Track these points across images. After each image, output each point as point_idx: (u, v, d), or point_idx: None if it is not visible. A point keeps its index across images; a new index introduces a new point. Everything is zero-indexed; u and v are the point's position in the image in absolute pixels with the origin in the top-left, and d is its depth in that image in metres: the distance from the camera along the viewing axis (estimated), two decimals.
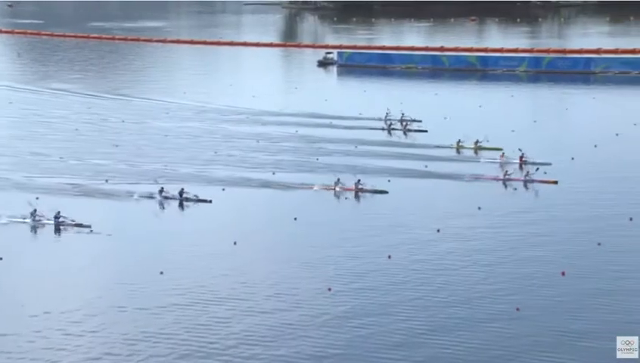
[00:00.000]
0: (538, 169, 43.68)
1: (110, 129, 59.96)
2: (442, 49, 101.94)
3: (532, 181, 43.01)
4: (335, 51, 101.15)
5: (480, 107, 67.04)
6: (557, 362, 24.34)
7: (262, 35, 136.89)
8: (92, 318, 27.87)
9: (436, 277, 30.77)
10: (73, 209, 38.15)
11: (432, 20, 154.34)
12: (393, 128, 57.51)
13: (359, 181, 42.12)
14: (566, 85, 78.76)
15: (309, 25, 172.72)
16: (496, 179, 44.07)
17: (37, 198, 39.82)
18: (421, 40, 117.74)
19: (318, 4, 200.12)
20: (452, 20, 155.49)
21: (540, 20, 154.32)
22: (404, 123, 57.88)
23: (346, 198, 41.40)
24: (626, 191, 41.66)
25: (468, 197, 40.95)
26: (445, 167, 46.38)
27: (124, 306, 28.67)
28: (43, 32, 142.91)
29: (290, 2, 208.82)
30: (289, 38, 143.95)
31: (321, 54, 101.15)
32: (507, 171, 44.50)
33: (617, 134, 54.25)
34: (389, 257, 32.67)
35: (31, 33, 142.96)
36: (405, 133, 56.82)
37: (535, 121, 60.87)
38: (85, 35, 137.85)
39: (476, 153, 50.01)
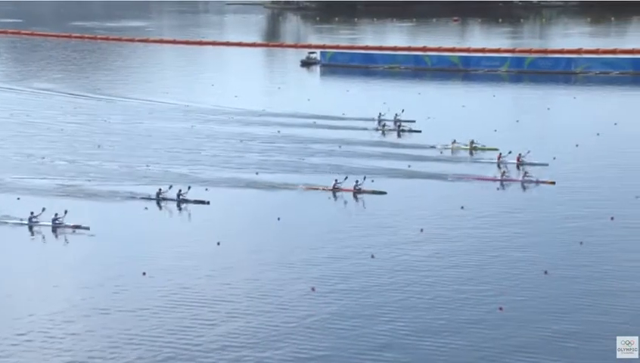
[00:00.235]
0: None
1: (92, 129, 59.60)
2: (424, 49, 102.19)
3: (530, 181, 43.06)
4: (318, 50, 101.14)
5: (463, 106, 67.29)
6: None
7: (244, 35, 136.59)
8: (82, 319, 27.70)
9: (421, 278, 30.80)
10: (64, 209, 37.52)
11: (414, 20, 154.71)
12: (387, 129, 57.43)
13: (357, 181, 42.06)
14: (547, 85, 79.26)
15: (292, 25, 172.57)
16: (493, 180, 43.98)
17: (18, 198, 39.53)
18: (404, 40, 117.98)
19: (300, 3, 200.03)
20: (435, 20, 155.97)
21: (522, 20, 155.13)
22: (397, 124, 57.84)
23: (345, 202, 41.15)
24: (608, 190, 41.96)
25: (466, 198, 40.76)
26: (442, 168, 46.25)
27: (107, 308, 28.47)
28: (23, 32, 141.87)
29: (273, 2, 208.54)
30: (272, 38, 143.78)
31: (304, 53, 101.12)
32: (504, 171, 44.59)
33: (598, 134, 54.64)
34: (372, 256, 32.73)
35: (11, 33, 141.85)
36: (398, 134, 56.81)
37: (517, 121, 61.18)
38: (67, 34, 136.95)
39: (471, 153, 50.09)
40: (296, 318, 27.47)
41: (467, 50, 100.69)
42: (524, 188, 42.89)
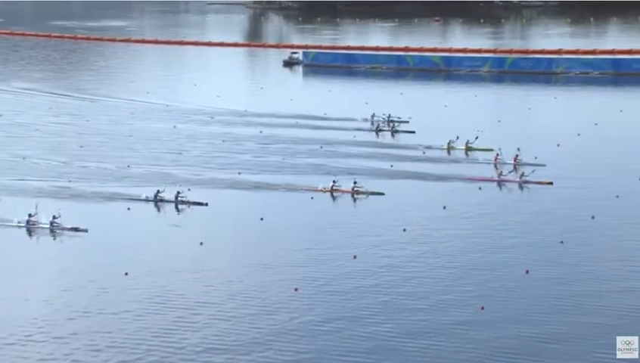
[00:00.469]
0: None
1: (74, 129, 59.21)
2: (406, 49, 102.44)
3: (528, 182, 42.99)
4: (300, 51, 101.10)
5: (446, 106, 67.50)
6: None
7: (226, 34, 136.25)
8: (68, 321, 27.51)
9: (405, 279, 30.82)
10: (59, 211, 37.13)
11: (396, 20, 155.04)
12: (381, 130, 57.26)
13: (355, 183, 41.86)
14: (528, 85, 79.66)
15: (274, 25, 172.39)
16: (490, 180, 43.88)
17: None
18: (386, 40, 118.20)
19: (282, 4, 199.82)
20: (417, 20, 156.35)
21: (503, 20, 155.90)
22: (392, 124, 57.73)
23: (345, 203, 40.98)
24: (590, 189, 42.23)
25: (462, 198, 40.92)
26: (437, 168, 46.22)
27: (89, 310, 28.23)
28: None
29: (255, 2, 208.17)
30: (254, 38, 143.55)
31: (286, 54, 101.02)
32: (501, 172, 44.57)
33: (579, 134, 54.99)
34: (355, 257, 32.70)
35: None
36: (392, 134, 56.76)
37: (499, 121, 61.44)
38: (47, 33, 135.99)
39: (467, 153, 50.12)
40: (279, 320, 27.33)
41: (449, 50, 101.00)
42: (521, 189, 42.81)
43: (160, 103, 69.63)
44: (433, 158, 49.15)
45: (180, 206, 40.21)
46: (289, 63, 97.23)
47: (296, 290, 29.56)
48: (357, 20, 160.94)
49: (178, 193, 40.48)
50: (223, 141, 54.40)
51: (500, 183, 43.64)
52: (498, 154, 47.28)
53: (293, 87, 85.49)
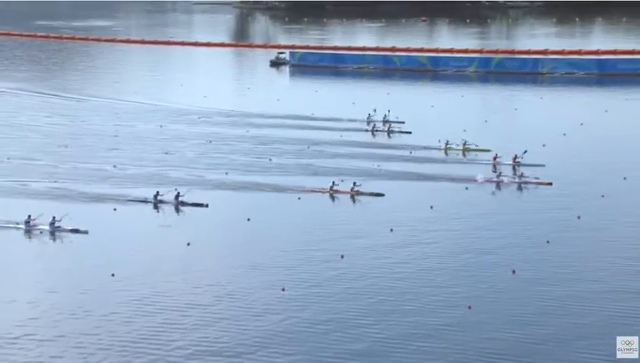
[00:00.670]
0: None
1: (59, 129, 58.94)
2: (393, 49, 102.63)
3: (527, 182, 42.99)
4: (287, 51, 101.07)
5: (433, 106, 67.67)
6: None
7: (213, 34, 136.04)
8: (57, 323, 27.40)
9: (395, 281, 30.88)
10: (59, 213, 36.91)
11: (383, 20, 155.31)
12: (377, 130, 57.21)
13: (355, 183, 41.71)
14: (515, 85, 79.96)
15: (261, 25, 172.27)
16: (489, 181, 43.73)
17: None
18: (373, 40, 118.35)
19: (269, 3, 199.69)
20: (403, 20, 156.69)
21: (489, 20, 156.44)
22: (387, 125, 57.64)
23: (344, 203, 40.90)
24: (576, 189, 42.46)
25: (461, 198, 41.03)
26: (434, 169, 46.12)
27: (75, 312, 28.13)
28: None
29: (241, 2, 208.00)
30: (240, 38, 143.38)
31: (273, 54, 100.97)
32: (500, 172, 44.53)
33: (565, 134, 55.27)
34: (342, 257, 32.73)
35: None
36: (388, 134, 56.74)
37: (485, 121, 61.66)
38: (32, 33, 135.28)
39: (464, 154, 50.16)
40: (267, 321, 27.29)
41: (436, 50, 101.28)
42: (521, 189, 42.79)
43: (147, 103, 69.39)
44: (429, 159, 48.86)
45: (181, 208, 39.90)
46: (276, 63, 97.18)
47: (283, 290, 29.56)
48: (344, 20, 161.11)
49: (178, 193, 40.29)
50: (210, 141, 54.29)
51: (499, 184, 43.51)
52: (497, 155, 47.30)
53: (280, 87, 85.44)
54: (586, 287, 29.60)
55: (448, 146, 50.74)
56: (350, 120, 59.31)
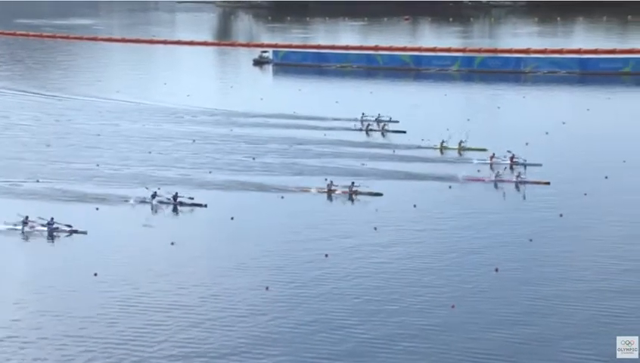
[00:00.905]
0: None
1: (41, 128, 58.52)
2: (376, 48, 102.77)
3: (524, 182, 42.95)
4: (270, 49, 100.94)
5: (416, 105, 67.78)
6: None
7: (196, 33, 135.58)
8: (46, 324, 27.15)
9: (385, 281, 30.89)
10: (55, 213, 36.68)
11: (366, 19, 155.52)
12: (371, 129, 57.02)
13: (353, 183, 41.46)
14: (497, 84, 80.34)
15: (244, 23, 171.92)
16: (487, 180, 43.70)
17: None
18: (356, 39, 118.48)
19: (252, 2, 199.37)
20: (386, 19, 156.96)
21: (472, 19, 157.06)
22: (381, 124, 57.47)
23: (343, 203, 40.87)
24: (559, 188, 42.68)
25: (460, 199, 41.01)
26: (432, 169, 45.97)
27: (60, 313, 27.89)
28: None
29: (224, 1, 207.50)
30: (223, 37, 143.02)
31: (256, 52, 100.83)
32: (498, 171, 44.52)
33: (547, 133, 55.54)
34: (326, 256, 32.68)
35: None
36: (383, 134, 56.65)
37: (468, 119, 61.84)
38: (11, 32, 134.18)
39: (460, 153, 50.12)
40: (251, 322, 27.21)
41: (419, 49, 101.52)
42: (518, 189, 42.76)
43: (130, 102, 69.02)
44: (425, 158, 48.62)
45: (179, 208, 39.57)
46: (259, 62, 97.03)
47: (267, 288, 29.47)
48: (327, 18, 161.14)
49: (177, 194, 39.97)
50: (194, 140, 54.08)
51: (496, 183, 43.52)
52: (494, 154, 47.29)
53: (264, 86, 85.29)
54: (571, 287, 29.70)
55: (443, 145, 50.67)
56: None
